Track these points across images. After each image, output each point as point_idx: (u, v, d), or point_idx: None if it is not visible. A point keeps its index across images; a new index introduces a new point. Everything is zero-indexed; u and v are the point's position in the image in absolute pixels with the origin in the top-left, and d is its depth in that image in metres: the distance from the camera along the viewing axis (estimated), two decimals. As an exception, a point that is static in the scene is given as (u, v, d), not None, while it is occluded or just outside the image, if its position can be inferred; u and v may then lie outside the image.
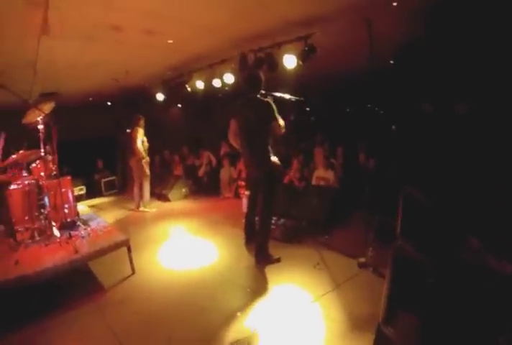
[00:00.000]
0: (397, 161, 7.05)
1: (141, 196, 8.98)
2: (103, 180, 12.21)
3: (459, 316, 2.23)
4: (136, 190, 9.06)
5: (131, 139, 8.70)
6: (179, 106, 13.46)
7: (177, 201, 10.13)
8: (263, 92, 5.23)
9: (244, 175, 9.05)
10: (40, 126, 5.57)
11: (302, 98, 5.51)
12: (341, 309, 3.94)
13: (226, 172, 10.03)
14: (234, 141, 5.55)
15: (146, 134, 8.92)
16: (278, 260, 5.18)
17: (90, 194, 11.73)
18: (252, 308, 4.08)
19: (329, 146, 9.24)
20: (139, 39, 5.96)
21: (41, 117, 5.53)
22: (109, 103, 12.86)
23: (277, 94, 5.26)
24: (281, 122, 5.04)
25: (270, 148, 5.11)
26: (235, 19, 5.47)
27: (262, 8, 5.08)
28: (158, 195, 10.44)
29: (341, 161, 8.40)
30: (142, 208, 9.00)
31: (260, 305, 4.14)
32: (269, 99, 5.06)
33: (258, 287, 4.57)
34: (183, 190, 10.50)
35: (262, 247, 5.16)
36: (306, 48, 6.09)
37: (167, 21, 5.27)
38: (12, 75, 6.45)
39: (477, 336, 2.18)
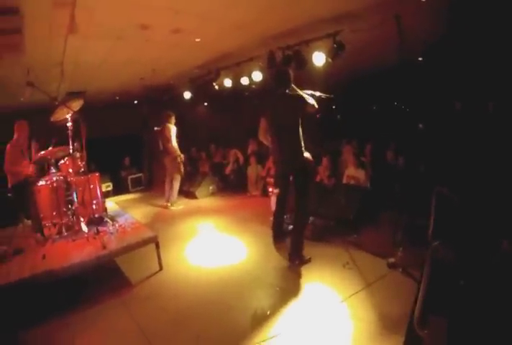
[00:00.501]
0: (426, 159, 6.96)
1: (170, 194, 9.02)
2: (130, 177, 12.36)
3: (489, 319, 2.16)
4: (167, 186, 9.14)
5: (164, 137, 8.74)
6: (205, 104, 13.48)
7: (204, 198, 10.15)
8: (294, 88, 5.12)
9: (272, 172, 9.05)
10: (69, 124, 5.66)
11: (332, 96, 5.43)
12: (371, 309, 3.89)
13: (253, 170, 10.01)
14: (264, 139, 5.47)
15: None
16: (309, 260, 5.12)
17: (117, 190, 11.92)
18: (280, 308, 4.04)
19: (357, 144, 9.15)
20: (166, 37, 5.98)
21: (69, 115, 5.60)
22: (136, 102, 12.97)
23: (308, 91, 5.19)
24: (311, 101, 4.93)
25: (303, 144, 5.02)
26: (263, 16, 5.43)
27: (290, 5, 5.06)
28: (185, 192, 10.47)
29: (370, 159, 8.30)
30: (169, 206, 9.03)
31: (289, 304, 4.10)
32: (300, 93, 4.97)
33: (287, 287, 4.54)
34: (210, 187, 10.52)
35: (296, 247, 5.09)
36: (335, 45, 6.04)
37: (195, 19, 5.28)
38: (40, 74, 6.53)
39: (509, 340, 2.11)
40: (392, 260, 4.86)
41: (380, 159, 8.56)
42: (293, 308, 4.02)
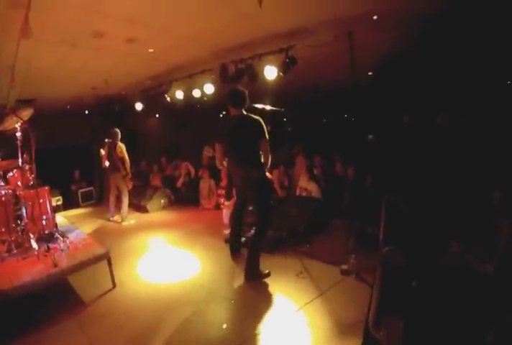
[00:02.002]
0: (374, 170, 7.16)
1: (122, 210, 8.85)
2: (80, 191, 12.05)
3: (444, 317, 2.26)
4: (112, 200, 9.02)
5: (115, 156, 8.52)
6: (157, 115, 13.39)
7: (156, 212, 10.02)
8: (250, 106, 5.16)
9: (223, 184, 9.07)
10: (18, 134, 5.42)
11: (283, 109, 5.52)
12: (327, 316, 3.97)
13: (205, 184, 9.95)
14: (221, 165, 5.44)
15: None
16: (269, 274, 5.10)
17: (67, 205, 11.49)
18: (238, 320, 4.06)
19: (306, 155, 9.29)
20: (120, 47, 6.01)
21: (19, 124, 5.40)
22: (87, 112, 12.74)
23: (259, 106, 5.26)
24: (267, 135, 4.91)
25: (262, 160, 5.00)
26: (217, 29, 5.55)
27: (245, 19, 5.19)
28: (136, 206, 10.30)
29: (320, 170, 8.45)
30: (121, 222, 8.84)
31: (246, 316, 4.11)
32: (257, 118, 4.94)
33: (243, 299, 4.57)
34: (162, 201, 10.37)
35: (253, 263, 5.07)
36: (287, 60, 6.18)
37: (150, 29, 5.34)
38: None
39: (465, 335, 2.23)
40: (345, 267, 5.00)
41: (329, 169, 8.73)
42: (250, 320, 4.02)
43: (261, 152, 4.98)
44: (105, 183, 10.40)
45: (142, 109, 10.53)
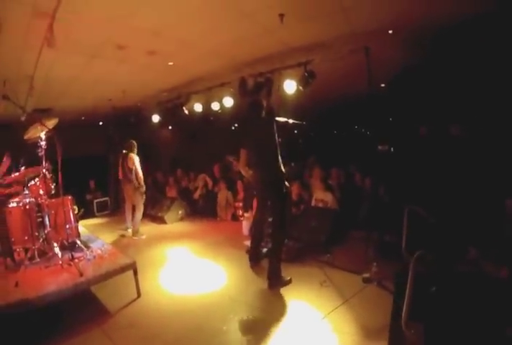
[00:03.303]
0: (391, 181, 7.21)
1: (133, 224, 8.77)
2: (96, 201, 12.11)
3: (462, 321, 2.33)
4: (127, 212, 8.96)
5: (127, 167, 8.48)
6: (170, 128, 13.45)
7: (174, 223, 10.05)
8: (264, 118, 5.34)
9: (241, 196, 9.12)
10: (42, 143, 5.45)
11: (304, 123, 5.61)
12: (352, 322, 4.05)
13: (222, 195, 9.99)
14: (244, 170, 5.65)
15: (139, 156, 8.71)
16: (290, 281, 5.21)
17: (82, 215, 11.50)
18: (267, 328, 4.08)
19: (322, 167, 9.32)
20: (140, 59, 6.08)
21: (43, 133, 5.42)
22: (101, 123, 12.84)
23: (282, 119, 5.37)
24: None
25: (282, 170, 5.22)
26: (238, 43, 5.63)
27: (264, 34, 5.25)
28: (153, 217, 10.36)
29: (337, 182, 8.47)
30: (132, 236, 8.72)
31: (275, 324, 4.16)
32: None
33: (270, 307, 4.61)
34: (179, 212, 10.40)
35: (275, 270, 5.18)
36: (306, 74, 6.23)
37: (172, 42, 5.41)
38: (12, 88, 6.26)
39: (484, 333, 2.30)
40: (366, 275, 5.10)
41: (347, 181, 8.76)
42: (279, 328, 4.08)
43: (280, 159, 5.18)
44: (120, 194, 10.42)
45: (159, 121, 10.64)
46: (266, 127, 5.23)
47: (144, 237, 8.64)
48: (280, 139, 5.23)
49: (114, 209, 12.36)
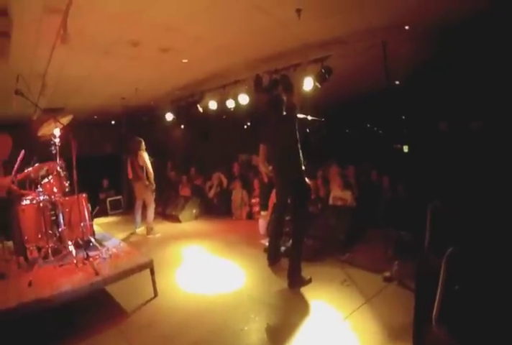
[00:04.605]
0: (406, 178, 7.17)
1: (147, 223, 8.67)
2: (109, 199, 12.16)
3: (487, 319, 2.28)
4: (137, 210, 8.87)
5: (137, 164, 8.41)
6: (182, 127, 13.44)
7: (188, 222, 10.02)
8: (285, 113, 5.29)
9: (257, 193, 9.05)
10: (56, 140, 5.37)
11: (323, 119, 5.55)
12: (376, 321, 3.99)
13: (237, 194, 9.95)
14: (263, 166, 5.64)
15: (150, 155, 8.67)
16: (310, 280, 5.15)
17: (96, 213, 11.53)
18: (289, 327, 4.02)
19: (339, 166, 9.25)
20: (154, 56, 6.06)
21: (58, 130, 5.37)
22: (113, 122, 12.85)
23: (301, 115, 5.31)
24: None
25: (303, 167, 5.17)
26: (253, 39, 5.58)
27: (279, 30, 5.21)
28: (167, 215, 10.38)
29: (354, 180, 8.39)
30: (146, 235, 8.64)
31: (297, 323, 4.09)
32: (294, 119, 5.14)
33: (291, 307, 4.53)
34: (194, 210, 10.37)
35: (295, 269, 5.11)
36: (323, 70, 6.16)
37: (186, 38, 5.38)
38: (25, 86, 6.27)
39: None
40: (387, 274, 5.05)
41: (365, 179, 8.68)
42: (302, 327, 4.02)
43: (301, 155, 5.14)
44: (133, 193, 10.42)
45: (172, 120, 10.63)
46: (287, 123, 5.19)
47: (158, 235, 8.61)
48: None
49: (127, 208, 12.27)
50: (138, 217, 8.87)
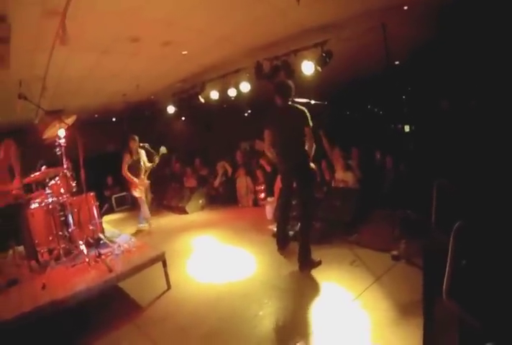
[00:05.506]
0: (409, 158, 7.19)
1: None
2: (114, 196, 12.16)
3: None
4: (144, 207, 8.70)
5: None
6: (183, 118, 13.42)
7: (195, 213, 10.07)
8: (294, 100, 5.32)
9: (262, 180, 9.09)
10: (62, 141, 5.35)
11: (326, 103, 5.53)
12: (386, 299, 4.08)
13: (242, 182, 9.98)
14: (269, 151, 5.62)
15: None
16: (320, 262, 5.22)
17: (104, 211, 11.55)
18: (304, 309, 4.09)
19: (342, 148, 9.24)
20: (155, 51, 6.04)
21: (63, 131, 5.35)
22: (114, 119, 12.84)
23: (303, 100, 5.31)
24: (310, 123, 5.08)
25: (307, 152, 5.16)
26: (252, 27, 5.55)
27: (277, 17, 5.18)
28: (173, 207, 10.43)
29: (358, 162, 8.38)
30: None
31: (311, 304, 4.19)
32: (302, 108, 5.12)
33: (304, 289, 4.61)
34: (200, 201, 10.41)
35: (305, 252, 5.17)
36: (324, 54, 6.14)
37: (185, 31, 5.34)
38: (26, 89, 6.12)
39: None
40: (395, 253, 5.14)
41: (368, 160, 8.67)
42: (315, 308, 4.10)
43: (306, 140, 5.15)
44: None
45: (174, 112, 10.61)
46: (295, 116, 5.14)
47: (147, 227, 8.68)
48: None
49: (133, 203, 12.27)
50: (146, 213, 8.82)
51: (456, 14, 5.60)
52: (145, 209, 8.57)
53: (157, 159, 8.33)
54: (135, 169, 8.22)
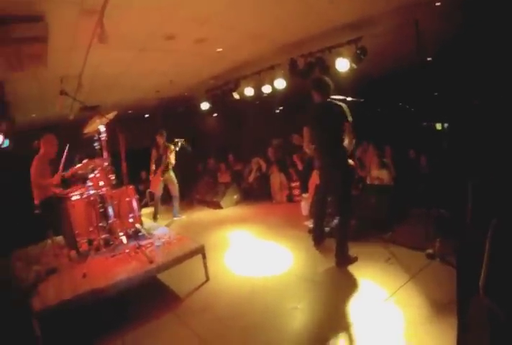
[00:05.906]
0: (443, 156, 7.12)
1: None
2: (148, 190, 12.28)
3: None
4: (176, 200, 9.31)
5: (167, 157, 8.74)
6: (216, 115, 13.53)
7: (230, 208, 10.19)
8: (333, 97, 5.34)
9: (295, 177, 9.12)
10: (102, 135, 5.51)
11: (362, 100, 5.54)
12: (422, 296, 4.09)
13: (276, 178, 10.04)
14: (308, 148, 5.67)
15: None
16: (356, 259, 5.27)
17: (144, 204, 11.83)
18: (340, 304, 4.15)
19: (376, 146, 9.21)
20: (189, 48, 6.11)
21: (104, 125, 5.49)
22: (147, 116, 13.00)
23: (340, 97, 5.33)
24: (350, 119, 5.11)
25: (345, 149, 5.18)
26: (285, 24, 5.58)
27: (309, 13, 5.20)
28: (208, 202, 10.58)
29: (391, 159, 8.36)
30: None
31: (347, 299, 4.23)
32: (342, 104, 5.15)
33: (340, 284, 4.68)
34: (235, 196, 10.53)
35: (343, 249, 5.21)
36: (358, 51, 6.17)
37: (219, 28, 5.41)
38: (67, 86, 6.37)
39: None
40: (430, 251, 5.11)
41: (402, 158, 8.63)
42: (351, 303, 4.15)
43: (345, 137, 5.18)
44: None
45: (208, 109, 10.71)
46: (334, 113, 5.17)
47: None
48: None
49: (166, 197, 12.47)
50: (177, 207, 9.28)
51: (488, 8, 5.55)
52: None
53: (172, 150, 8.70)
54: (158, 164, 8.67)
